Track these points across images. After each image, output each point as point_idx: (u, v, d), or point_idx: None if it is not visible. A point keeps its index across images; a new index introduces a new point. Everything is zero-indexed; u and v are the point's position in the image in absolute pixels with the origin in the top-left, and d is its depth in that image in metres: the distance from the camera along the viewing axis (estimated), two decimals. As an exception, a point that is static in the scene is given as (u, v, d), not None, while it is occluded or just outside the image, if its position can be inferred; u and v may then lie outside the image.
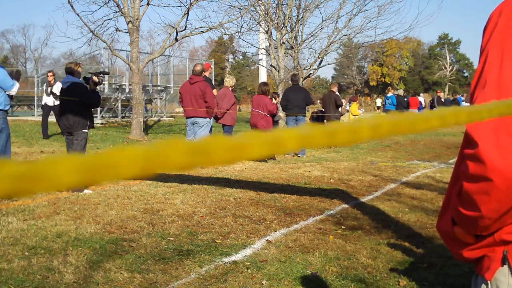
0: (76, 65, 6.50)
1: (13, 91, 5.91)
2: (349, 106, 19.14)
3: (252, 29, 17.68)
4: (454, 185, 1.25)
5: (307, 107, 12.19)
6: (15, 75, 6.42)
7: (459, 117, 0.56)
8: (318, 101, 21.79)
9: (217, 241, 4.42)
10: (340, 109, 15.05)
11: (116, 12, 14.00)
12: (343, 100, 15.60)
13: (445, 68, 58.70)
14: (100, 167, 0.29)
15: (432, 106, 24.38)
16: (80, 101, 6.29)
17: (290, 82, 12.71)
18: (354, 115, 16.83)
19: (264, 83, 10.99)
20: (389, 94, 19.79)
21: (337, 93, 14.56)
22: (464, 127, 1.08)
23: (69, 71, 6.45)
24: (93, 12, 16.06)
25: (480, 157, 1.05)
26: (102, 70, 16.97)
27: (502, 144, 1.04)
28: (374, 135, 0.43)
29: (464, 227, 1.19)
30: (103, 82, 6.97)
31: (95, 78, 6.56)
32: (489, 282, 1.19)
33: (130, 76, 15.87)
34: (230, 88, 10.57)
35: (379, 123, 0.44)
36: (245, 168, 8.97)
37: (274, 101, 11.39)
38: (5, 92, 5.77)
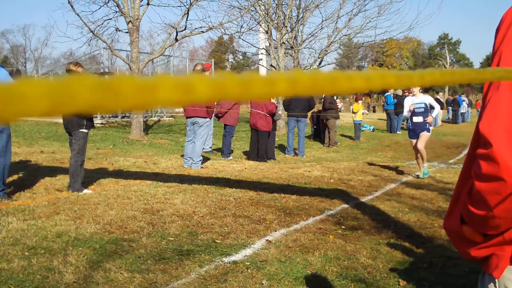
0: (76, 65, 6.49)
1: None
2: (352, 105, 19.14)
3: (252, 29, 17.68)
4: (463, 184, 1.24)
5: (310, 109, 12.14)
6: (15, 74, 6.42)
7: (386, 79, 0.53)
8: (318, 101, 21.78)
9: (217, 241, 4.42)
10: (341, 108, 15.05)
11: (116, 12, 14.00)
12: (337, 101, 15.59)
13: (445, 68, 58.69)
14: (6, 98, 0.27)
15: (432, 107, 24.37)
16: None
17: None
18: (354, 112, 16.81)
19: (264, 83, 10.99)
20: (386, 94, 19.81)
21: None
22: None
23: (69, 71, 6.46)
24: (93, 12, 16.09)
25: (493, 157, 1.05)
26: (102, 70, 16.98)
27: None
28: (291, 90, 0.41)
29: (474, 226, 1.19)
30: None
31: None
32: (497, 280, 1.19)
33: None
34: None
35: (298, 77, 0.42)
36: (245, 168, 8.97)
37: (273, 100, 11.38)
38: None
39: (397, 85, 0.56)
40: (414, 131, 8.13)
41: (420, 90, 8.17)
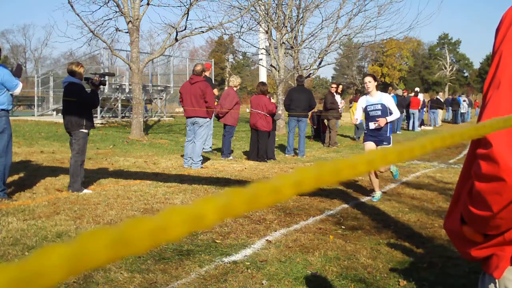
0: (78, 65, 6.49)
1: (17, 91, 5.93)
2: (351, 105, 19.16)
3: (252, 29, 17.67)
4: (463, 185, 1.24)
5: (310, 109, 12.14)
6: (17, 69, 6.40)
7: (388, 157, 0.55)
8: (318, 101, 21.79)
9: (217, 241, 4.42)
10: (341, 107, 15.04)
11: (116, 12, 13.99)
12: (342, 101, 15.57)
13: (445, 68, 58.69)
14: (26, 277, 0.28)
15: (432, 107, 24.37)
16: (77, 101, 6.29)
17: (295, 82, 12.76)
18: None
19: (263, 83, 11.00)
20: (391, 94, 19.81)
21: (334, 93, 14.57)
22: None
23: (70, 72, 6.46)
24: (93, 12, 16.06)
25: (493, 157, 1.05)
26: (102, 70, 16.98)
27: None
28: (297, 191, 0.43)
29: (474, 226, 1.19)
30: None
31: (95, 79, 6.56)
32: (497, 280, 1.19)
33: (130, 76, 15.87)
34: (235, 88, 10.58)
35: (302, 179, 0.43)
36: (245, 168, 8.97)
37: (272, 100, 11.40)
38: (9, 92, 5.77)
39: (398, 160, 0.57)
40: (372, 137, 6.41)
41: (378, 85, 6.39)
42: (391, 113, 6.31)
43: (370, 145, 6.33)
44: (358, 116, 6.71)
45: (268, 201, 0.40)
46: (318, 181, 0.45)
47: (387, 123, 6.24)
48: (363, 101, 6.41)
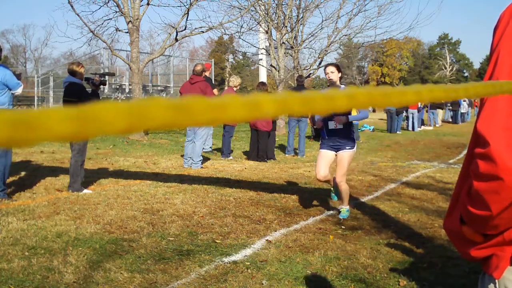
0: (78, 65, 6.50)
1: (19, 90, 6.04)
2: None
3: (252, 29, 17.67)
4: (462, 184, 1.24)
5: None
6: (17, 78, 6.47)
7: (434, 92, 0.58)
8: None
9: (217, 241, 4.42)
10: None
11: (116, 12, 13.99)
12: None
13: (445, 68, 58.70)
14: (89, 120, 0.29)
15: (432, 107, 24.37)
16: (78, 101, 6.29)
17: (295, 82, 12.77)
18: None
19: (262, 83, 11.00)
20: None
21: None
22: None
23: (71, 72, 6.46)
24: (93, 12, 16.06)
25: (491, 156, 1.05)
26: (102, 70, 16.98)
27: None
28: (350, 103, 0.44)
29: (473, 226, 1.19)
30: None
31: (96, 79, 6.56)
32: (497, 281, 1.19)
33: (130, 76, 15.86)
34: (235, 88, 10.59)
35: (355, 92, 0.45)
36: (245, 168, 8.97)
37: None
38: (10, 91, 5.85)
39: (445, 97, 0.61)
40: (330, 144, 5.28)
41: (341, 77, 5.36)
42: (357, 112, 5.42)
43: (326, 154, 5.26)
44: (318, 116, 5.39)
45: (322, 106, 0.42)
46: (370, 99, 0.47)
47: (347, 122, 5.18)
48: None
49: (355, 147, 5.30)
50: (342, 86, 5.43)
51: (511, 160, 1.03)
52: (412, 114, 20.94)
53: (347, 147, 5.20)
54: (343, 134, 5.23)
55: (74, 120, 0.29)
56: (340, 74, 5.29)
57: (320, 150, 5.36)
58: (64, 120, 0.28)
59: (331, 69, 5.30)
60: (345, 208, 5.36)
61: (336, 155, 5.27)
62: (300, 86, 12.00)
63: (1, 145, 0.29)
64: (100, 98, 6.93)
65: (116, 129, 0.30)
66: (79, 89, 6.36)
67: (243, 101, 0.36)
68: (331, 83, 5.32)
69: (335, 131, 5.23)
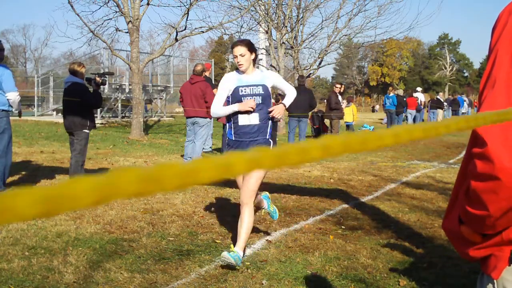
0: (80, 65, 6.50)
1: (11, 96, 5.73)
2: (348, 106, 19.14)
3: (252, 29, 17.69)
4: (461, 184, 1.24)
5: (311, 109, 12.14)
6: (102, 76, 6.43)
7: (414, 133, 0.56)
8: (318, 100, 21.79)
9: (217, 241, 4.42)
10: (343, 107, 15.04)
11: (116, 12, 13.99)
12: (344, 101, 15.54)
13: (445, 68, 58.70)
14: (58, 199, 0.30)
15: (432, 107, 24.36)
16: (81, 101, 6.29)
17: (296, 82, 12.77)
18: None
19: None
20: (390, 94, 19.82)
21: (338, 93, 14.54)
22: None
23: (72, 71, 6.46)
24: (93, 12, 16.07)
25: (488, 156, 1.05)
26: (102, 70, 16.97)
27: (511, 143, 1.04)
28: (324, 155, 0.44)
29: (472, 226, 1.19)
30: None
31: (97, 79, 6.56)
32: (495, 281, 1.19)
33: (130, 76, 15.87)
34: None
35: (330, 143, 0.45)
36: (245, 168, 8.97)
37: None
38: (4, 93, 5.70)
39: (423, 137, 0.59)
40: (240, 144, 3.93)
41: (257, 62, 4.50)
42: (283, 97, 4.42)
43: None
44: (218, 107, 3.93)
45: (295, 160, 0.41)
46: (345, 148, 0.46)
47: (271, 113, 3.89)
48: (231, 79, 3.91)
49: (271, 143, 3.96)
50: (259, 70, 4.11)
51: (508, 160, 1.03)
52: (410, 114, 20.93)
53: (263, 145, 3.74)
54: (259, 133, 3.89)
55: (43, 203, 0.29)
56: (253, 56, 3.88)
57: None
58: (32, 203, 0.29)
59: (240, 50, 3.81)
60: (236, 256, 3.63)
61: None
62: (301, 86, 12.00)
63: None
64: (102, 98, 6.92)
65: (84, 204, 0.31)
66: (82, 89, 6.36)
67: (215, 163, 0.36)
68: (239, 68, 3.87)
69: (245, 128, 3.88)
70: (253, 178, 3.77)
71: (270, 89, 3.98)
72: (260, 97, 3.88)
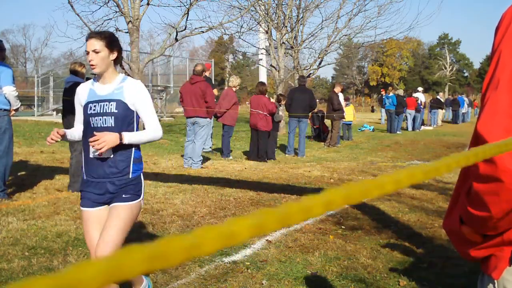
0: (80, 65, 6.50)
1: (7, 90, 5.65)
2: (348, 105, 19.16)
3: (252, 29, 17.67)
4: (462, 185, 1.24)
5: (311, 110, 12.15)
6: None
7: (414, 178, 0.56)
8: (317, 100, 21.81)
9: (217, 241, 4.42)
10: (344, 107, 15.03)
11: (116, 12, 13.99)
12: (344, 101, 15.52)
13: (445, 68, 58.68)
14: (65, 282, 0.31)
15: (432, 107, 24.36)
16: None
17: (297, 82, 12.78)
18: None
19: (262, 83, 11.00)
20: (390, 94, 19.81)
21: (338, 93, 14.52)
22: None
23: (73, 71, 6.46)
24: (93, 12, 16.00)
25: (491, 158, 1.04)
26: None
27: None
28: (326, 210, 0.45)
29: (473, 227, 1.19)
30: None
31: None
32: (496, 281, 1.19)
33: (130, 76, 15.87)
34: (234, 89, 10.59)
35: (332, 198, 0.45)
36: (245, 168, 8.97)
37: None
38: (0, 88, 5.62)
39: (425, 179, 0.58)
40: (95, 192, 2.72)
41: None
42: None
43: (92, 216, 2.76)
44: (73, 129, 2.93)
45: (298, 219, 0.42)
46: (347, 200, 0.46)
47: (109, 149, 2.62)
48: (82, 91, 2.81)
49: (140, 196, 2.77)
50: (121, 76, 2.79)
51: (511, 162, 1.03)
52: (409, 114, 20.93)
53: (123, 195, 2.71)
54: (114, 167, 2.69)
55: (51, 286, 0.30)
56: (115, 55, 2.74)
57: (81, 208, 2.78)
58: None
59: (94, 44, 2.68)
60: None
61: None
62: (301, 86, 12.00)
63: None
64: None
65: (92, 287, 0.31)
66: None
67: (218, 233, 0.36)
68: (96, 74, 2.77)
69: (102, 162, 2.69)
70: (118, 223, 2.65)
71: (132, 107, 2.71)
72: (112, 118, 2.66)
